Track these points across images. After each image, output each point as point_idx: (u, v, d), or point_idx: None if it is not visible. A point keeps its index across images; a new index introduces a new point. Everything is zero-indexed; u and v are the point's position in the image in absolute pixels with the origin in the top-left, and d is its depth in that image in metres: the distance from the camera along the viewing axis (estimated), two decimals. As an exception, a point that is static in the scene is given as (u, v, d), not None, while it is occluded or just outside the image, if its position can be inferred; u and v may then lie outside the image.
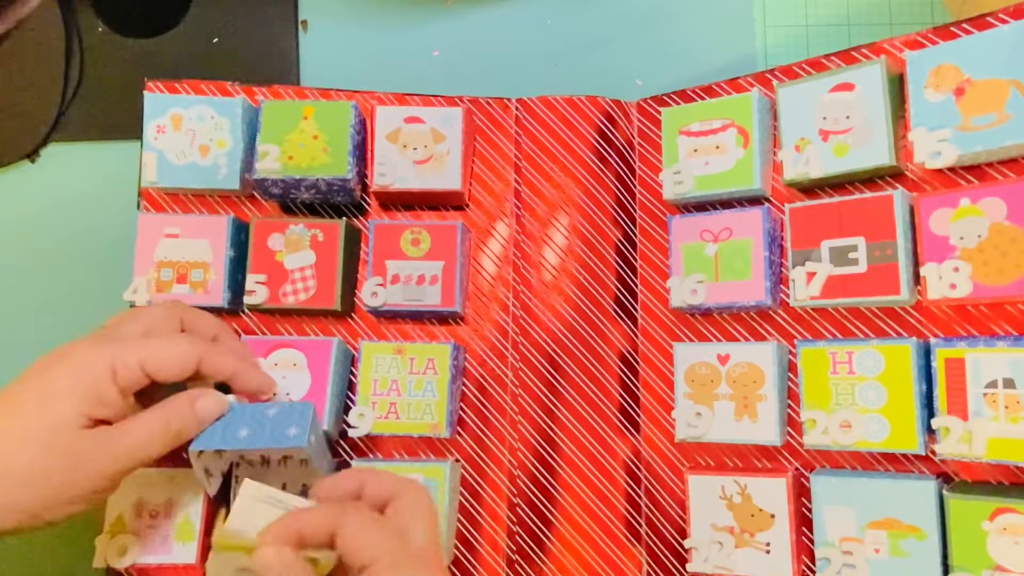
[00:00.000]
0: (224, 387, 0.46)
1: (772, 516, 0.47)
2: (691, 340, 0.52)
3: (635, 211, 0.55)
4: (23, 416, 0.39)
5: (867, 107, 0.47)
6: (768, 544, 0.47)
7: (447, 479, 0.50)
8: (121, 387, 0.41)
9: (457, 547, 0.51)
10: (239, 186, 0.54)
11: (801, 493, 0.48)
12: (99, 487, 0.40)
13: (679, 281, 0.51)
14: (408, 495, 0.41)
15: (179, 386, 0.44)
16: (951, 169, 0.46)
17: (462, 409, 0.53)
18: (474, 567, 0.51)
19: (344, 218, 0.54)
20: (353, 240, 0.54)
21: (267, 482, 0.41)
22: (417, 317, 0.54)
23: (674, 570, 0.50)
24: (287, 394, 0.50)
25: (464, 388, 0.53)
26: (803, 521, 0.47)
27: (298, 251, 0.53)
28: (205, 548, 0.49)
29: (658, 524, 0.51)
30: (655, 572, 0.51)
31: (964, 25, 0.46)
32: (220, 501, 0.49)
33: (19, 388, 0.40)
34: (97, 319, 0.62)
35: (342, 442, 0.53)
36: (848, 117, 0.48)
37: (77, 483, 0.39)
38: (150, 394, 0.43)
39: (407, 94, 0.56)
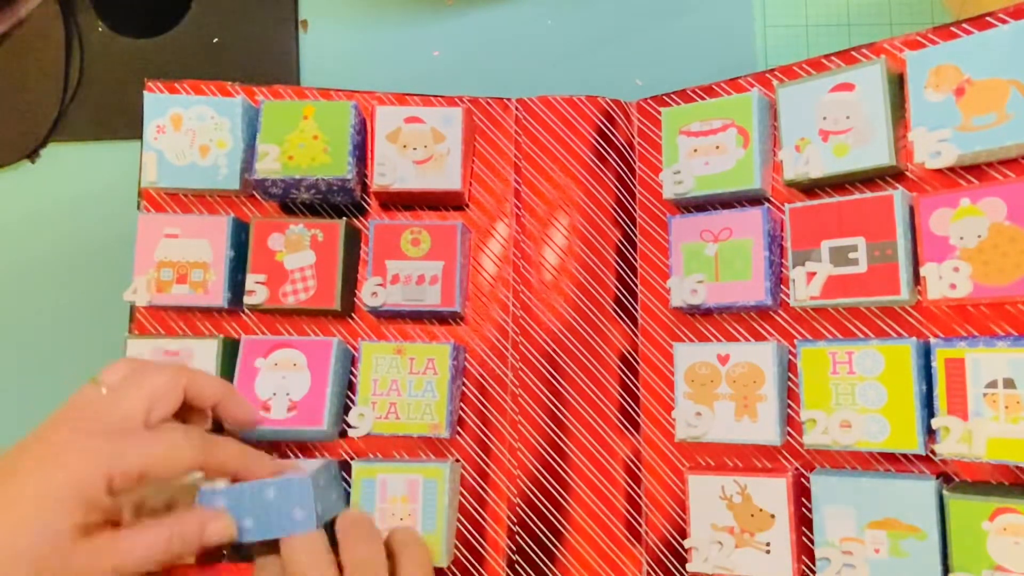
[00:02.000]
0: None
1: (772, 516, 0.47)
2: (691, 340, 0.52)
3: (635, 211, 0.55)
4: (14, 528, 0.36)
5: (867, 107, 0.47)
6: (768, 544, 0.47)
7: (447, 479, 0.50)
8: (115, 493, 0.38)
9: (457, 547, 0.51)
10: (239, 186, 0.54)
11: (801, 493, 0.48)
12: None
13: (679, 281, 0.51)
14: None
15: None
16: (951, 169, 0.46)
17: (462, 409, 0.53)
18: (474, 567, 0.51)
19: (344, 218, 0.54)
20: (353, 240, 0.54)
21: None
22: (417, 317, 0.54)
23: (674, 570, 0.50)
24: (287, 394, 0.50)
25: (464, 388, 0.53)
26: (803, 521, 0.47)
27: (298, 251, 0.53)
28: (203, 552, 0.48)
29: (658, 524, 0.51)
30: (655, 572, 0.51)
31: (964, 25, 0.46)
32: None
33: (6, 491, 0.36)
34: (97, 319, 0.62)
35: (342, 442, 0.53)
36: (848, 117, 0.48)
37: None
38: None
39: (407, 94, 0.56)
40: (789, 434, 0.49)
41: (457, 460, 0.52)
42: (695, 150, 0.52)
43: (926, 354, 0.44)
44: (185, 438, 0.40)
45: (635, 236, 0.55)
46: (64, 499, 0.36)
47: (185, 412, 0.43)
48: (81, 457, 0.37)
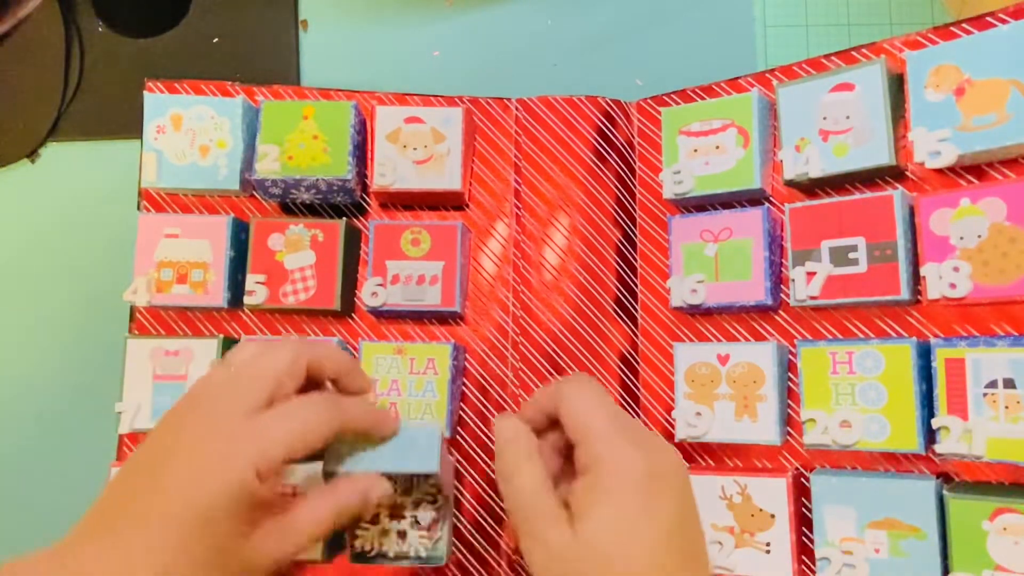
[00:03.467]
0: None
1: (772, 516, 0.47)
2: (691, 340, 0.52)
3: (635, 211, 0.55)
4: (187, 546, 0.35)
5: (867, 107, 0.47)
6: (768, 544, 0.47)
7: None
8: (266, 482, 0.37)
9: (457, 547, 0.51)
10: (239, 186, 0.54)
11: (801, 493, 0.48)
12: None
13: (679, 281, 0.51)
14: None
15: None
16: (951, 169, 0.46)
17: (462, 409, 0.53)
18: (475, 567, 0.51)
19: (344, 218, 0.54)
20: (353, 240, 0.54)
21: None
22: (417, 317, 0.54)
23: (674, 570, 0.50)
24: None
25: (464, 388, 0.53)
26: (803, 521, 0.47)
27: (298, 251, 0.53)
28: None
29: (658, 524, 0.51)
30: (655, 572, 0.51)
31: (964, 25, 0.46)
32: None
33: (163, 507, 0.36)
34: (97, 319, 0.62)
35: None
36: (848, 117, 0.47)
37: None
38: None
39: (407, 94, 0.56)
40: (789, 434, 0.49)
41: (457, 460, 0.52)
42: (695, 150, 0.52)
43: (926, 354, 0.44)
44: (316, 411, 0.39)
45: (635, 236, 0.55)
46: (225, 508, 0.35)
47: (305, 387, 0.42)
48: (226, 466, 0.36)
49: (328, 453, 0.43)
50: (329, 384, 0.43)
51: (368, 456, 0.42)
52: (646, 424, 0.52)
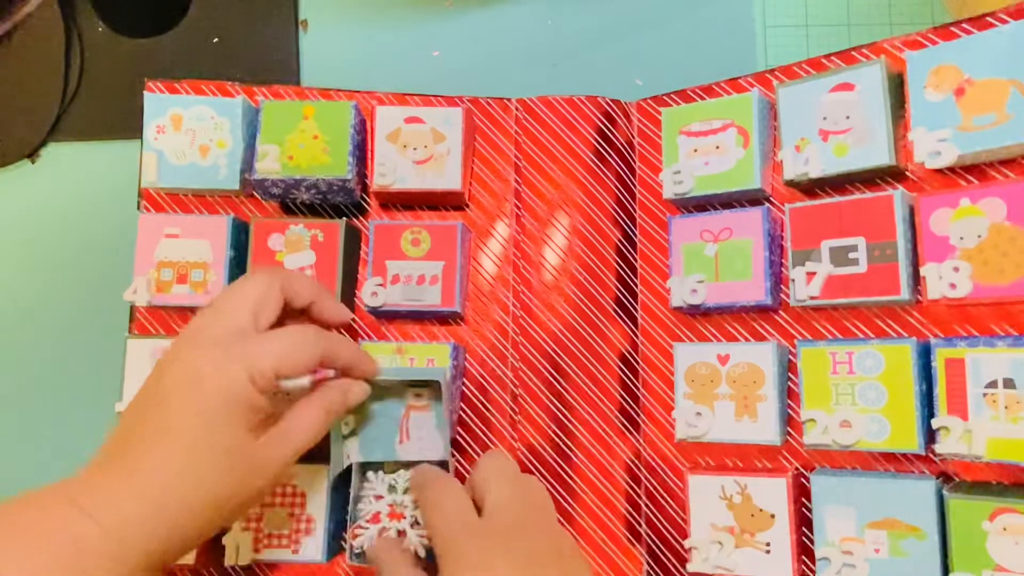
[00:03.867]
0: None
1: (772, 516, 0.47)
2: (691, 340, 0.52)
3: (635, 211, 0.55)
4: (194, 453, 0.38)
5: (867, 107, 0.47)
6: (768, 544, 0.47)
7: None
8: (262, 392, 0.40)
9: (457, 547, 0.51)
10: (239, 186, 0.54)
11: (801, 493, 0.48)
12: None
13: (679, 281, 0.51)
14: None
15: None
16: (951, 169, 0.46)
17: (462, 409, 0.53)
18: (474, 567, 0.51)
19: (344, 218, 0.54)
20: (353, 240, 0.54)
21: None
22: (417, 317, 0.54)
23: (674, 570, 0.50)
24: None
25: (464, 388, 0.53)
26: (803, 521, 0.47)
27: (298, 251, 0.53)
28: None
29: (658, 524, 0.51)
30: (655, 572, 0.51)
31: (964, 25, 0.46)
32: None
33: (169, 419, 0.38)
34: (97, 319, 0.62)
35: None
36: (848, 117, 0.47)
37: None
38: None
39: (407, 94, 0.56)
40: (789, 434, 0.49)
41: (457, 460, 0.52)
42: (695, 150, 0.52)
43: (926, 354, 0.44)
44: (303, 334, 0.42)
45: (635, 236, 0.55)
46: (226, 416, 0.38)
47: (283, 316, 0.44)
48: (221, 370, 0.39)
49: (340, 446, 0.45)
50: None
51: (380, 447, 0.45)
52: (646, 424, 0.53)
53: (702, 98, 0.54)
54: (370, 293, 0.52)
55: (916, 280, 0.45)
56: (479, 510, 0.40)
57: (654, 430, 0.52)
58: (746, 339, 0.51)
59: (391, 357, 0.52)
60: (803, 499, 0.47)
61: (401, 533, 0.45)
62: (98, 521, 0.35)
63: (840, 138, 0.48)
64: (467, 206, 0.55)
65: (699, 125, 0.52)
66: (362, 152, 0.55)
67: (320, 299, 0.45)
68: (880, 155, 0.46)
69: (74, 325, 0.64)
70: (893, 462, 0.46)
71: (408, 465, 0.48)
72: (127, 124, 0.59)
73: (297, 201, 0.55)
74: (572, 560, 0.40)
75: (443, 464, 0.47)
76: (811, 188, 0.50)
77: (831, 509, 0.45)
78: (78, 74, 0.66)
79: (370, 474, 0.48)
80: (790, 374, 0.49)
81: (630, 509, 0.51)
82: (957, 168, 0.46)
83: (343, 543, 0.50)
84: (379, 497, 0.47)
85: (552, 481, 0.51)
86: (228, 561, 0.48)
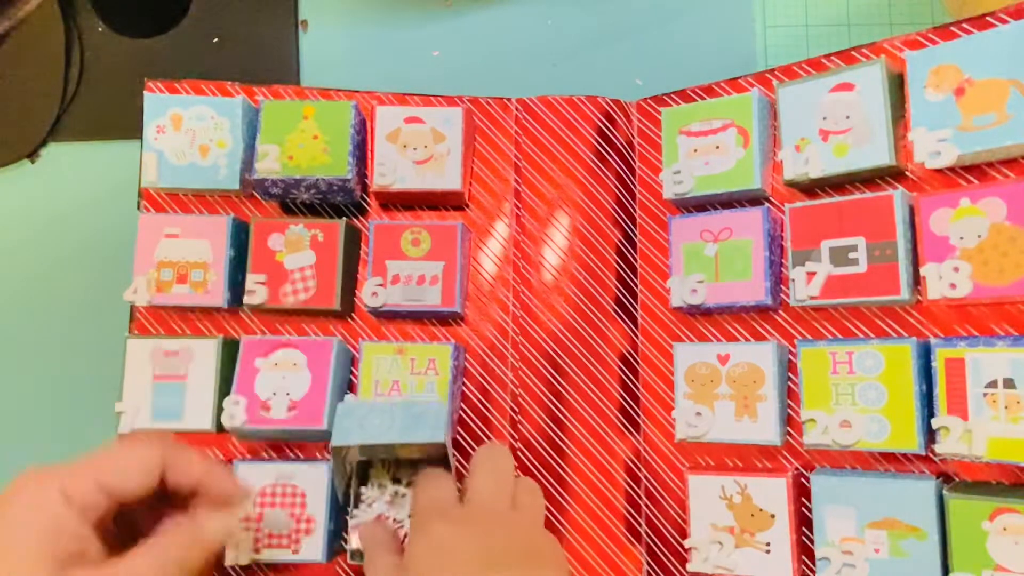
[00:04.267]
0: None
1: (772, 516, 0.47)
2: (691, 340, 0.52)
3: (635, 211, 0.55)
4: None
5: (867, 107, 0.47)
6: (768, 544, 0.47)
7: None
8: (82, 514, 0.34)
9: (457, 547, 0.51)
10: (239, 186, 0.54)
11: (801, 493, 0.48)
12: None
13: (679, 281, 0.51)
14: None
15: None
16: (951, 169, 0.46)
17: (462, 409, 0.53)
18: (474, 567, 0.51)
19: (344, 218, 0.54)
20: (353, 240, 0.54)
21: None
22: (417, 317, 0.54)
23: (674, 570, 0.50)
24: (287, 394, 0.50)
25: (464, 388, 0.53)
26: (803, 521, 0.47)
27: (298, 251, 0.53)
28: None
29: (658, 524, 0.51)
30: (655, 572, 0.51)
31: (964, 25, 0.46)
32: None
33: None
34: (97, 319, 0.62)
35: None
36: (848, 117, 0.47)
37: None
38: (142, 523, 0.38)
39: (407, 94, 0.56)
40: (789, 434, 0.49)
41: (458, 460, 0.52)
42: (695, 150, 0.52)
43: (926, 354, 0.44)
44: (136, 438, 0.39)
45: (635, 236, 0.55)
46: (26, 531, 0.32)
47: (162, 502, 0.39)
48: (33, 483, 0.34)
49: (336, 428, 0.45)
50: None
51: (377, 428, 0.45)
52: (646, 424, 0.53)
53: (702, 98, 0.54)
54: (370, 293, 0.52)
55: (916, 280, 0.45)
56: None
57: (654, 430, 0.52)
58: (746, 339, 0.51)
59: (392, 357, 0.52)
60: (803, 499, 0.47)
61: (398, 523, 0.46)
62: None
63: (840, 138, 0.48)
64: (467, 206, 0.55)
65: (699, 125, 0.52)
66: (362, 152, 0.55)
67: (209, 475, 0.39)
68: (880, 155, 0.46)
69: (74, 325, 0.64)
70: (893, 462, 0.46)
71: (409, 463, 0.48)
72: (127, 124, 0.59)
73: (297, 201, 0.55)
74: (548, 564, 0.39)
75: (444, 459, 0.47)
76: (811, 188, 0.50)
77: (831, 509, 0.45)
78: (78, 74, 0.66)
79: (372, 478, 0.48)
80: (790, 374, 0.49)
81: (630, 509, 0.51)
82: (957, 168, 0.46)
83: (343, 543, 0.50)
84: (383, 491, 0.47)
85: (552, 481, 0.51)
86: (228, 561, 0.48)
